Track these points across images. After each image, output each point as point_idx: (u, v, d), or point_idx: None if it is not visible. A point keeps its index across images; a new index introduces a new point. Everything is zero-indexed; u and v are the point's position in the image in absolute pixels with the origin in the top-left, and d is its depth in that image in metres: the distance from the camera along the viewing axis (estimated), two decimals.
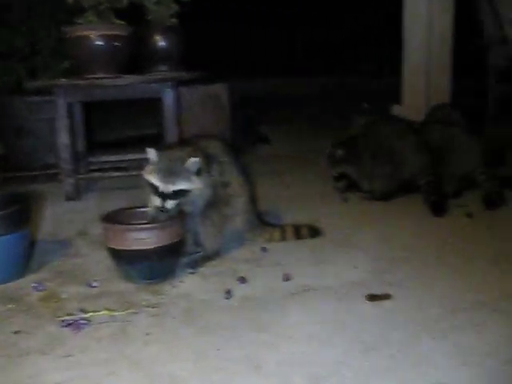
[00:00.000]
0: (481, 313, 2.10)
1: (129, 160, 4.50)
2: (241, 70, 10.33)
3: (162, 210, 2.44)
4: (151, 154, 2.51)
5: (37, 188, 4.16)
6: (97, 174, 4.08)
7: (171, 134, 3.93)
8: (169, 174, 2.45)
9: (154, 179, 2.45)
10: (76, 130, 4.16)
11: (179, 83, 4.26)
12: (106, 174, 4.06)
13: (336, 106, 8.19)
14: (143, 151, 2.53)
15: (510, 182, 3.85)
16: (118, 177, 4.03)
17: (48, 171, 4.53)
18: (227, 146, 2.79)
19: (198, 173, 2.51)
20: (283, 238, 2.90)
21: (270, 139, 5.91)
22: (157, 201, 2.46)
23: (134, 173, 3.80)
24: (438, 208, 3.31)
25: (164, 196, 2.44)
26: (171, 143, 2.95)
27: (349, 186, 3.81)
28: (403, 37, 5.21)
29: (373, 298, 2.24)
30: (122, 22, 3.90)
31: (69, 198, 3.81)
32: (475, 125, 4.74)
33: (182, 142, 2.82)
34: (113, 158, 4.43)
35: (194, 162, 2.47)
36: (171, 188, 2.44)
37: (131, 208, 2.69)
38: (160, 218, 2.47)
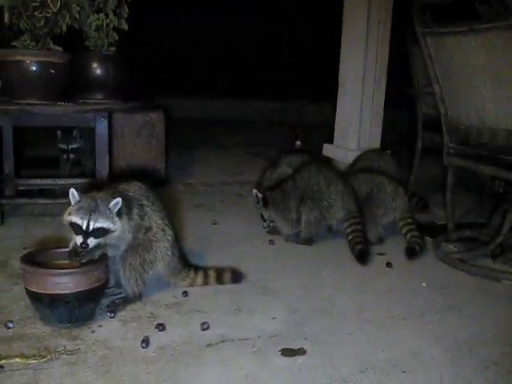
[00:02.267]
0: (390, 374, 2.19)
1: (59, 185, 4.47)
2: (187, 90, 10.29)
3: (83, 246, 2.43)
4: (73, 194, 2.50)
5: None
6: (23, 200, 4.00)
7: (102, 163, 3.93)
8: (91, 212, 2.44)
9: (76, 218, 2.44)
10: (5, 152, 4.09)
11: (113, 111, 4.28)
12: (32, 201, 3.99)
13: (276, 134, 8.31)
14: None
15: (430, 229, 4.02)
16: (44, 204, 3.98)
17: None
18: (148, 189, 2.80)
19: (119, 214, 2.52)
20: (205, 283, 2.93)
21: None
22: (78, 239, 2.44)
23: (62, 200, 3.78)
24: (364, 257, 3.40)
25: (86, 234, 2.43)
26: (91, 186, 2.94)
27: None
28: (339, 80, 5.35)
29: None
30: (60, 48, 3.88)
31: None
32: (405, 167, 4.93)
33: (103, 186, 2.81)
34: (42, 181, 4.37)
35: (115, 202, 2.49)
36: (93, 225, 2.43)
37: (52, 248, 2.67)
38: (78, 261, 2.47)
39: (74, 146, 4.72)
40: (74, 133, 4.68)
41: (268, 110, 10.48)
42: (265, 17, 11.65)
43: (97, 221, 2.44)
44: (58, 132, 4.69)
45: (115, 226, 2.50)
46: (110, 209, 2.48)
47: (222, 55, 12.19)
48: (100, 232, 2.46)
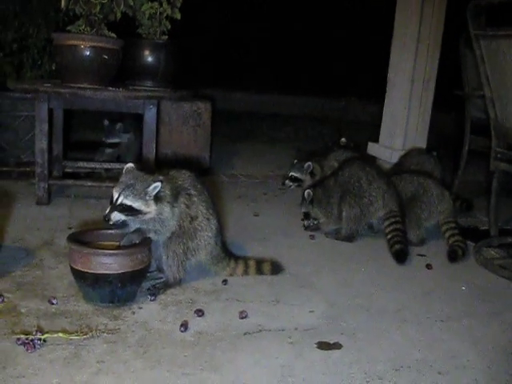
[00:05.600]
0: (425, 374, 2.18)
1: (105, 169, 4.55)
2: (232, 83, 10.28)
3: (105, 219, 2.49)
4: (125, 168, 2.60)
5: (7, 185, 4.21)
6: (70, 181, 4.08)
7: (149, 149, 3.98)
8: (125, 187, 2.50)
9: (114, 189, 2.52)
10: (55, 133, 4.18)
11: (162, 99, 4.34)
12: (79, 182, 4.07)
13: (321, 130, 8.30)
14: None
15: (472, 233, 3.98)
16: (91, 186, 4.06)
17: (22, 169, 4.55)
18: (197, 179, 2.83)
19: (158, 198, 2.56)
20: (245, 273, 2.96)
21: None
22: (107, 209, 2.51)
23: (107, 184, 3.86)
24: (402, 256, 3.38)
25: (113, 206, 2.49)
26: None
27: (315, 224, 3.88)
28: (388, 79, 5.32)
29: None
30: (113, 35, 3.94)
31: (40, 203, 3.82)
32: (450, 170, 4.88)
33: (155, 171, 2.85)
34: (88, 164, 4.46)
35: (154, 186, 2.52)
36: (121, 200, 2.48)
37: (97, 229, 2.73)
38: (126, 243, 2.54)
39: (114, 140, 4.75)
40: (118, 126, 4.70)
41: (314, 106, 10.44)
42: (318, 14, 11.58)
43: (127, 197, 2.49)
44: (105, 121, 4.74)
45: (148, 208, 2.53)
46: (147, 191, 2.51)
47: (272, 49, 12.11)
48: (126, 209, 2.50)
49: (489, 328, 2.63)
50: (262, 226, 3.86)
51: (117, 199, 2.49)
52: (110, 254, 2.44)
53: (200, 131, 5.05)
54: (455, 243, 3.58)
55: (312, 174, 4.29)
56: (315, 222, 3.84)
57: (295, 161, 4.40)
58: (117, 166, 4.44)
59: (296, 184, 4.35)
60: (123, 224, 2.56)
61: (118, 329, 2.31)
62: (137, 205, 2.51)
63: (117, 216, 2.50)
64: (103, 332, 2.26)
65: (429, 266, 3.36)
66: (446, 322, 2.65)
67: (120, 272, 2.42)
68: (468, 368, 2.25)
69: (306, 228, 3.87)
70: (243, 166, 5.83)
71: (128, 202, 2.49)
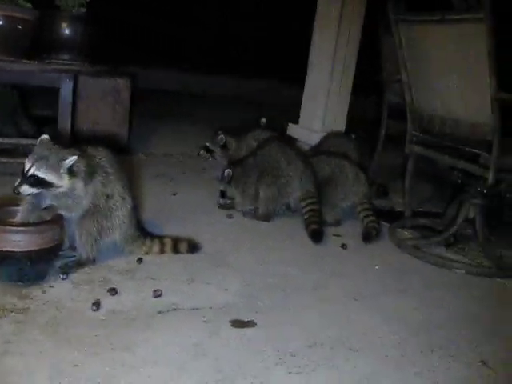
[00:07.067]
0: (338, 350, 2.23)
1: (21, 144, 4.38)
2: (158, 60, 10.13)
3: (14, 192, 2.39)
4: (39, 140, 2.49)
5: None
6: None
7: (64, 123, 3.87)
8: (39, 159, 2.40)
9: (26, 160, 2.41)
10: None
11: (79, 73, 4.22)
12: None
13: (245, 111, 8.28)
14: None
15: (388, 215, 4.08)
16: (6, 163, 3.90)
17: None
18: (114, 157, 2.75)
19: (72, 173, 2.47)
20: (161, 251, 2.92)
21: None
22: (16, 182, 2.40)
23: (22, 160, 3.71)
24: (317, 236, 3.43)
25: (24, 178, 2.39)
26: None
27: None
28: (309, 61, 5.36)
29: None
30: (29, 5, 3.79)
31: None
32: (368, 153, 4.97)
33: (71, 146, 2.76)
34: (3, 140, 4.28)
35: (70, 159, 2.43)
36: (32, 171, 2.38)
37: (7, 206, 2.62)
38: (30, 219, 2.45)
39: None
40: None
41: (240, 87, 10.43)
42: None
43: (39, 169, 2.38)
44: None
45: (60, 182, 2.44)
46: (61, 164, 2.42)
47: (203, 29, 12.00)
48: (37, 182, 2.40)
49: (400, 306, 2.71)
50: (181, 205, 3.83)
51: (28, 170, 2.38)
52: (18, 231, 2.35)
53: (119, 108, 4.93)
54: (369, 224, 3.66)
55: (224, 147, 4.31)
56: (228, 202, 3.85)
57: (219, 131, 4.40)
58: (35, 142, 4.28)
59: (209, 155, 4.46)
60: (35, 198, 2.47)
61: (27, 308, 2.24)
62: (49, 177, 2.41)
63: (27, 189, 2.39)
64: (11, 311, 2.19)
65: (344, 246, 3.43)
66: (360, 300, 2.72)
67: (29, 249, 2.34)
68: (379, 344, 2.32)
69: (220, 206, 3.88)
70: (163, 145, 5.73)
71: (40, 174, 2.39)
